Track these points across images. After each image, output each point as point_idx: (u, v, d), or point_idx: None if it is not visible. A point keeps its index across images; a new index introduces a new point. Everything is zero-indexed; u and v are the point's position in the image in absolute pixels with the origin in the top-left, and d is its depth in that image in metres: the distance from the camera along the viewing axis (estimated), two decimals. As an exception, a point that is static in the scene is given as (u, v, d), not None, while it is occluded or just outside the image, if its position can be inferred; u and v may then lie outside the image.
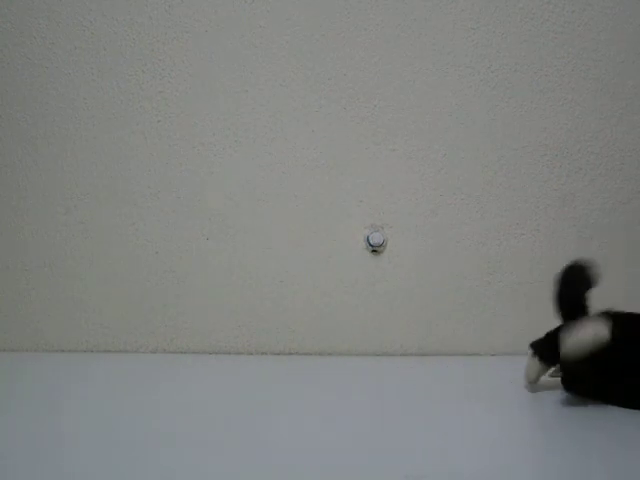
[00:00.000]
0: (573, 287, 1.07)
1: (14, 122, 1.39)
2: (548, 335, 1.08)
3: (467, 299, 1.39)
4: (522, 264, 1.39)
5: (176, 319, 1.38)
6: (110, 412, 0.90)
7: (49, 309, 1.38)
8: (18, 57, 1.38)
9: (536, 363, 1.06)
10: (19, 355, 1.34)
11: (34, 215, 1.38)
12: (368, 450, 0.74)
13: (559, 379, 1.05)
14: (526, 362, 1.08)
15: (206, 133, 1.39)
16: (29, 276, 1.38)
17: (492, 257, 1.39)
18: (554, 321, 1.40)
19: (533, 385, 1.07)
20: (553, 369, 1.08)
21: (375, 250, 1.38)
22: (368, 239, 1.38)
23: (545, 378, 1.08)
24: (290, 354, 1.37)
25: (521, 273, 1.39)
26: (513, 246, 1.39)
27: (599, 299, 1.40)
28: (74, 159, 1.39)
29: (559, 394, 1.03)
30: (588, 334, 0.93)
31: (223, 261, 1.38)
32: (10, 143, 1.39)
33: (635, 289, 1.40)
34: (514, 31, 1.39)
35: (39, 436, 0.77)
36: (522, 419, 0.89)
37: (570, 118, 1.40)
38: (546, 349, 1.05)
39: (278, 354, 1.37)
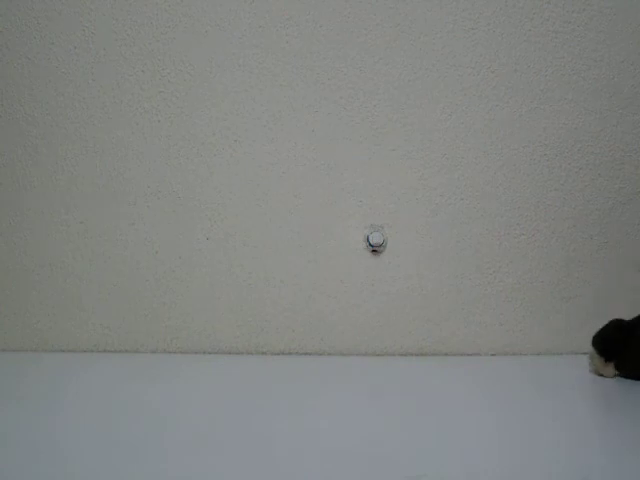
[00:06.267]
0: None
1: (14, 122, 1.39)
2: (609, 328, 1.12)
3: (467, 299, 1.39)
4: (522, 264, 1.39)
5: (176, 319, 1.38)
6: (110, 412, 0.90)
7: (49, 309, 1.38)
8: (18, 57, 1.38)
9: (595, 357, 1.12)
10: (19, 355, 1.34)
11: (34, 215, 1.38)
12: (368, 450, 0.74)
13: None
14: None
15: (206, 133, 1.39)
16: (29, 276, 1.38)
17: (492, 257, 1.39)
18: (553, 321, 1.40)
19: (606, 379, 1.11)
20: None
21: (375, 250, 1.38)
22: (368, 239, 1.38)
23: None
24: (290, 354, 1.37)
25: (521, 273, 1.39)
26: (513, 246, 1.39)
27: (599, 299, 1.40)
28: (74, 159, 1.39)
29: (558, 393, 1.03)
30: None
31: (223, 261, 1.38)
32: (10, 143, 1.39)
33: (635, 289, 1.40)
34: (514, 31, 1.39)
35: (39, 436, 0.77)
36: (522, 419, 0.89)
37: (570, 118, 1.40)
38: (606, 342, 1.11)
39: (278, 354, 1.37)
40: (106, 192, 1.39)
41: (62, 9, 1.38)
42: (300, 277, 1.38)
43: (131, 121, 1.39)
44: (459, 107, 1.39)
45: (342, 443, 0.77)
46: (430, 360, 1.33)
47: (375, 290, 1.39)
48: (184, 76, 1.39)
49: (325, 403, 0.98)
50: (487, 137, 1.39)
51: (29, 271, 1.38)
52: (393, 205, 1.39)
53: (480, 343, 1.39)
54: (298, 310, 1.38)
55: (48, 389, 1.04)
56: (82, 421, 0.85)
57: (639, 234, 1.40)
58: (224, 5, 1.38)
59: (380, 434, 0.81)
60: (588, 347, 1.35)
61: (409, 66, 1.39)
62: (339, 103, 1.39)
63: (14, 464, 0.68)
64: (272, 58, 1.39)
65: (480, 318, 1.39)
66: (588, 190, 1.40)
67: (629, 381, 1.12)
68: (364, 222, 1.39)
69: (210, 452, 0.73)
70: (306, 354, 1.37)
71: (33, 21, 1.38)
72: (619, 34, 1.39)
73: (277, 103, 1.39)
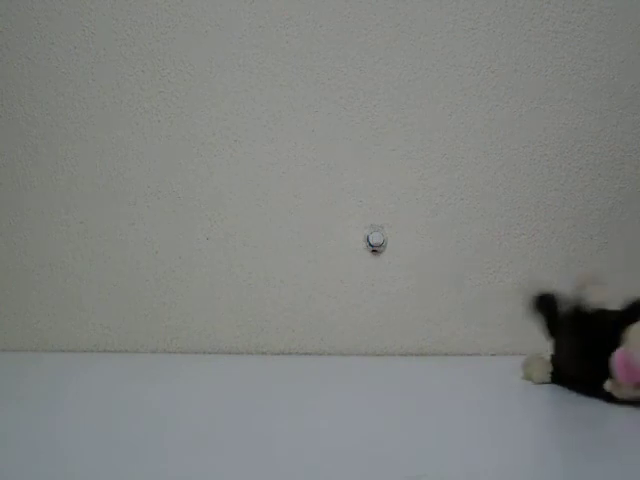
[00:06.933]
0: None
1: (14, 122, 1.39)
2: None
3: (467, 299, 1.39)
4: (522, 264, 1.39)
5: (176, 319, 1.38)
6: (110, 412, 0.90)
7: (49, 309, 1.38)
8: (18, 57, 1.38)
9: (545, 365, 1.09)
10: (19, 355, 1.34)
11: (34, 215, 1.38)
12: (368, 450, 0.74)
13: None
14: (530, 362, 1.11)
15: (206, 133, 1.39)
16: (29, 276, 1.38)
17: (492, 257, 1.39)
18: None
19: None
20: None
21: (375, 250, 1.38)
22: (368, 239, 1.38)
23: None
24: (290, 354, 1.38)
25: (521, 273, 1.39)
26: (513, 246, 1.39)
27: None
28: (74, 159, 1.39)
29: (559, 394, 1.03)
30: None
31: (223, 261, 1.38)
32: (10, 143, 1.39)
33: (635, 290, 1.39)
34: (514, 31, 1.39)
35: (39, 436, 0.77)
36: (522, 419, 0.89)
37: (570, 118, 1.40)
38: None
39: (278, 354, 1.37)
40: (106, 192, 1.39)
41: (62, 9, 1.38)
42: (300, 277, 1.38)
43: (131, 121, 1.39)
44: (459, 107, 1.39)
45: (342, 443, 0.77)
46: (430, 360, 1.33)
47: (375, 290, 1.39)
48: (184, 76, 1.39)
49: (325, 403, 0.98)
50: (487, 137, 1.39)
51: (29, 271, 1.38)
52: (393, 205, 1.39)
53: (480, 343, 1.39)
54: (298, 310, 1.38)
55: (48, 389, 1.04)
56: (82, 421, 0.85)
57: (639, 234, 1.40)
58: (224, 5, 1.38)
59: (380, 434, 0.81)
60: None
61: (409, 66, 1.39)
62: (339, 103, 1.39)
63: (14, 464, 0.68)
64: (272, 58, 1.39)
65: (480, 318, 1.39)
66: (588, 190, 1.40)
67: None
68: (364, 222, 1.39)
69: (210, 452, 0.73)
70: (306, 354, 1.37)
71: (33, 21, 1.38)
72: (619, 34, 1.39)
73: (277, 103, 1.39)
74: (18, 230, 1.38)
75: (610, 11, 1.39)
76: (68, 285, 1.38)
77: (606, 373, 0.92)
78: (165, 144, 1.39)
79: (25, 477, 0.65)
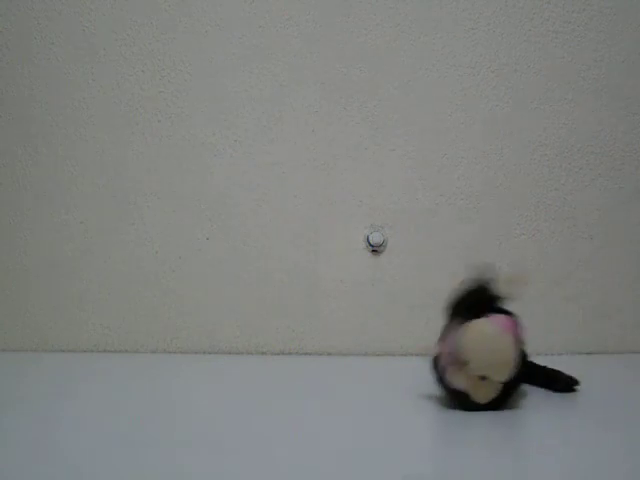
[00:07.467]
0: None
1: (14, 122, 1.39)
2: None
3: (467, 299, 1.38)
4: (522, 264, 1.39)
5: (176, 319, 1.38)
6: (110, 412, 0.90)
7: (49, 309, 1.38)
8: (18, 57, 1.38)
9: None
10: (19, 355, 1.34)
11: (34, 215, 1.38)
12: (367, 450, 0.74)
13: None
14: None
15: (206, 133, 1.39)
16: (29, 276, 1.38)
17: (492, 257, 1.39)
18: (553, 321, 1.40)
19: None
20: None
21: (375, 250, 1.38)
22: (368, 239, 1.38)
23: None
24: (290, 354, 1.38)
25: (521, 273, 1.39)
26: (513, 246, 1.39)
27: (599, 299, 1.40)
28: (74, 159, 1.39)
29: (557, 394, 1.03)
30: None
31: (223, 261, 1.38)
32: (10, 143, 1.39)
33: (635, 289, 1.40)
34: (514, 31, 1.39)
35: (39, 436, 0.77)
36: (522, 419, 0.89)
37: (570, 118, 1.40)
38: None
39: (278, 354, 1.38)
40: (106, 192, 1.39)
41: (62, 9, 1.38)
42: (300, 277, 1.38)
43: (131, 121, 1.39)
44: (459, 107, 1.39)
45: (342, 443, 0.77)
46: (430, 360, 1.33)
47: (375, 290, 1.39)
48: (184, 76, 1.39)
49: (325, 403, 0.98)
50: (487, 137, 1.39)
51: (29, 271, 1.38)
52: (393, 205, 1.39)
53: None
54: (298, 310, 1.38)
55: (48, 389, 1.04)
56: (82, 421, 0.86)
57: (639, 234, 1.40)
58: (224, 5, 1.38)
59: (380, 434, 0.81)
60: (588, 347, 1.36)
61: (409, 66, 1.39)
62: (339, 103, 1.39)
63: (14, 464, 0.68)
64: (272, 58, 1.39)
65: (480, 318, 1.38)
66: (588, 190, 1.40)
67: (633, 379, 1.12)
68: (364, 222, 1.39)
69: (210, 452, 0.73)
70: (306, 354, 1.38)
71: (33, 21, 1.38)
72: (619, 34, 1.39)
73: (277, 103, 1.39)
74: (18, 230, 1.38)
75: (610, 11, 1.39)
76: (68, 285, 1.38)
77: None
78: (165, 144, 1.39)
79: (25, 477, 0.65)
